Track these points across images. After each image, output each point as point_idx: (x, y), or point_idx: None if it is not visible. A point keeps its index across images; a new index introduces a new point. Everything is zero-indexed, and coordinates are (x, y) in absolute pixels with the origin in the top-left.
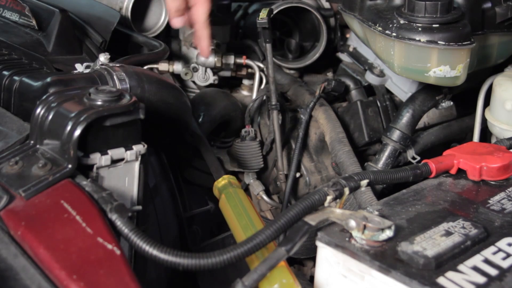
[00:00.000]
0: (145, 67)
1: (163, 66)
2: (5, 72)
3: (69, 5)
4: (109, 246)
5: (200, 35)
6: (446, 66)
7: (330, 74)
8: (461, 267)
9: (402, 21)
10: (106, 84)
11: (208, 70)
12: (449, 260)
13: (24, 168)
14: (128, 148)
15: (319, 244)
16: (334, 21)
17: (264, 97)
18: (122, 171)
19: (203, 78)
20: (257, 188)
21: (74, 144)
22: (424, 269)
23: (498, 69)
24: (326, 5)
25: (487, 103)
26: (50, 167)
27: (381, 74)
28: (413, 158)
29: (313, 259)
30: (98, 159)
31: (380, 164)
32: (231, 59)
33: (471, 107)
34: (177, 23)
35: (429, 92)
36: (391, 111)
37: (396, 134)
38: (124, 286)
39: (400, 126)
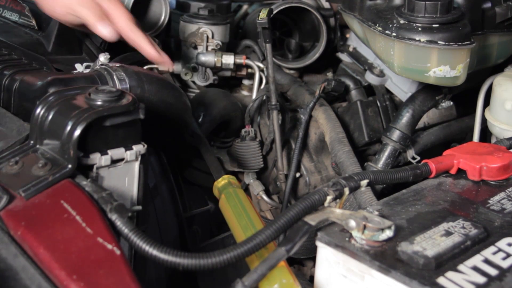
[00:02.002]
0: (145, 67)
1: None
2: (5, 72)
3: None
4: (109, 246)
5: (136, 45)
6: (446, 66)
7: (330, 74)
8: (461, 267)
9: (402, 21)
10: (106, 84)
11: (208, 70)
12: (449, 260)
13: (24, 168)
14: (128, 148)
15: (319, 244)
16: (334, 21)
17: (264, 97)
18: (122, 171)
19: (203, 78)
20: (257, 188)
21: (74, 144)
22: (424, 269)
23: (498, 69)
24: (326, 5)
25: (487, 103)
26: (50, 167)
27: (381, 74)
28: (413, 158)
29: (313, 259)
30: (98, 159)
31: (380, 164)
32: (231, 59)
33: (471, 107)
34: (105, 32)
35: (429, 92)
36: (391, 111)
37: (396, 134)
38: (124, 286)
39: (400, 126)
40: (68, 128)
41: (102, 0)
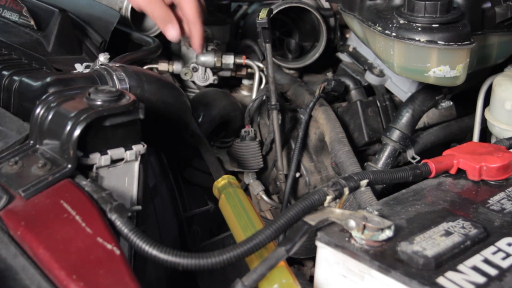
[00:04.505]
0: (145, 67)
1: (162, 66)
2: (5, 72)
3: (69, 5)
4: (109, 246)
5: (190, 33)
6: (446, 66)
7: (330, 74)
8: (460, 267)
9: (401, 21)
10: (106, 84)
11: (208, 70)
12: (449, 260)
13: (23, 168)
14: (127, 148)
15: (318, 244)
16: (334, 21)
17: (264, 97)
18: (122, 171)
19: (203, 78)
20: (256, 188)
21: (74, 144)
22: (423, 269)
23: (498, 69)
24: (326, 5)
25: (487, 103)
26: (49, 167)
27: (381, 74)
28: (413, 158)
29: (313, 259)
30: (98, 159)
31: (380, 164)
32: (231, 59)
33: (471, 107)
34: (172, 33)
35: (429, 92)
36: (391, 111)
37: (396, 134)
38: (123, 286)
39: (400, 126)
40: (68, 128)
41: None
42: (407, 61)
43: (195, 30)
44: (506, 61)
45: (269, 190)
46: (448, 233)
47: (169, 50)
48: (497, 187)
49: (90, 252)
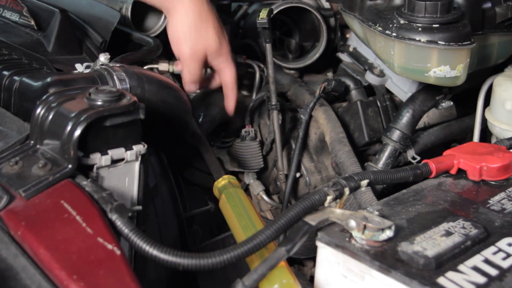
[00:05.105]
0: (145, 67)
1: (163, 66)
2: (5, 72)
3: (69, 5)
4: (109, 246)
5: (226, 96)
6: (446, 66)
7: (330, 74)
8: (461, 267)
9: (402, 21)
10: (106, 84)
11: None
12: (449, 260)
13: (24, 168)
14: (128, 148)
15: (319, 244)
16: (334, 21)
17: (264, 97)
18: (122, 171)
19: None
20: (257, 188)
21: (74, 144)
22: (424, 269)
23: (498, 69)
24: (326, 5)
25: (487, 103)
26: (50, 167)
27: (381, 74)
28: (413, 158)
29: (313, 259)
30: (98, 159)
31: (380, 164)
32: None
33: (471, 107)
34: (190, 89)
35: (429, 92)
36: (391, 111)
37: (396, 134)
38: (124, 286)
39: (400, 126)
40: (68, 128)
41: (216, 58)
42: (408, 61)
43: (231, 95)
44: (506, 61)
45: (270, 190)
46: (448, 233)
47: (169, 50)
48: (497, 187)
49: (90, 252)
